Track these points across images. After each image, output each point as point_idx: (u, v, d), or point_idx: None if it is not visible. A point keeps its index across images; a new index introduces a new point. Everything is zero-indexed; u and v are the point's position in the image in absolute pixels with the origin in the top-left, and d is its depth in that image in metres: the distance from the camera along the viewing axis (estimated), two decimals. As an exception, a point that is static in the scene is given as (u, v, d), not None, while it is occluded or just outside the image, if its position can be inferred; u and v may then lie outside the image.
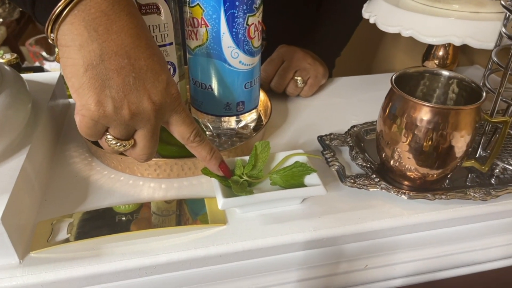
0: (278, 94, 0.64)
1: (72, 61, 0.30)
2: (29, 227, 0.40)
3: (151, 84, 0.33)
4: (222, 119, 0.52)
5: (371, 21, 0.60)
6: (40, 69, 0.74)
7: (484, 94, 0.41)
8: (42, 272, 0.36)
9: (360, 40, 0.86)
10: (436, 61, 0.66)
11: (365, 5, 0.64)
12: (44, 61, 1.02)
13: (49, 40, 0.33)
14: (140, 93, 0.32)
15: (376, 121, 0.57)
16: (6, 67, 0.48)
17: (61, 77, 0.57)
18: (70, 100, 0.62)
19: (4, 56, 0.65)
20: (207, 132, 0.54)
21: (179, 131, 0.37)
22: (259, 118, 0.57)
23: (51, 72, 0.58)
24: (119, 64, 0.31)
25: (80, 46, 0.30)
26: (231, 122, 0.53)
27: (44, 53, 1.01)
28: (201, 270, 0.40)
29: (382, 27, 0.58)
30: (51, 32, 0.31)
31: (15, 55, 0.67)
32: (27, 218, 0.40)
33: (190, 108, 0.54)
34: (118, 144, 0.35)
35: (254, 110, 0.53)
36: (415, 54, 0.91)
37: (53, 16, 0.30)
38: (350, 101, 0.65)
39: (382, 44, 1.04)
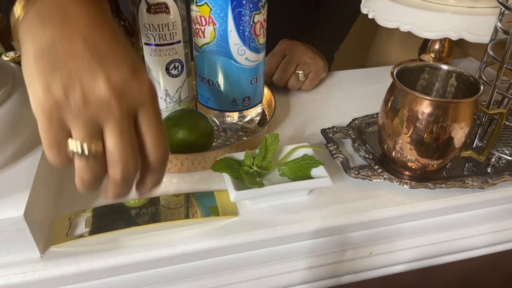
0: (280, 88, 0.66)
1: (25, 55, 0.27)
2: (47, 222, 0.41)
3: (113, 67, 0.27)
4: (226, 114, 0.54)
5: (370, 16, 0.62)
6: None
7: (482, 87, 0.43)
8: (63, 265, 0.37)
9: (355, 33, 0.88)
10: (432, 55, 0.68)
11: (363, 0, 0.66)
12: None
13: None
14: (96, 73, 0.27)
15: (376, 113, 0.59)
16: (12, 64, 0.49)
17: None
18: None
19: (7, 54, 0.66)
20: (214, 127, 0.55)
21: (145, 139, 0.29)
22: (263, 112, 0.58)
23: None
24: (74, 48, 0.27)
25: (33, 36, 0.27)
26: (234, 117, 0.54)
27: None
28: (215, 260, 0.41)
29: (381, 22, 0.59)
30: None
31: (18, 53, 0.67)
32: (45, 213, 0.41)
33: (196, 104, 0.55)
34: (82, 150, 0.28)
35: (259, 105, 0.55)
36: (409, 47, 0.93)
37: (15, 19, 0.28)
38: (350, 94, 0.67)
39: (377, 36, 1.05)
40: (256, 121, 0.56)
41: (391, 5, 0.59)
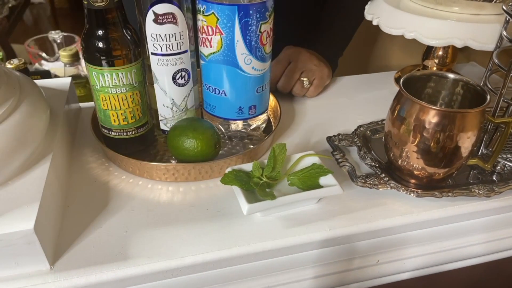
0: (285, 95, 0.66)
1: None
2: (55, 233, 0.41)
3: None
4: (231, 122, 0.54)
5: (374, 23, 0.62)
6: (47, 73, 0.75)
7: (489, 97, 0.43)
8: (73, 277, 0.37)
9: (357, 36, 0.88)
10: (436, 60, 0.68)
11: (367, 7, 0.66)
12: (43, 62, 1.02)
13: None
14: None
15: (380, 120, 0.59)
16: (17, 73, 0.49)
17: (72, 82, 0.58)
18: (81, 104, 0.63)
19: (11, 62, 0.65)
20: (220, 135, 0.55)
21: None
22: (268, 120, 0.58)
23: (62, 78, 0.58)
24: None
25: None
26: (239, 125, 0.54)
27: (44, 54, 1.01)
28: (223, 270, 0.42)
29: (386, 29, 0.59)
30: None
31: (23, 60, 0.67)
32: (53, 224, 0.41)
33: (202, 112, 0.55)
34: None
35: (265, 113, 0.55)
36: (412, 51, 0.93)
37: None
38: (354, 101, 0.67)
39: (379, 40, 1.06)
40: (262, 129, 0.57)
41: (395, 12, 0.59)
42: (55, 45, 1.07)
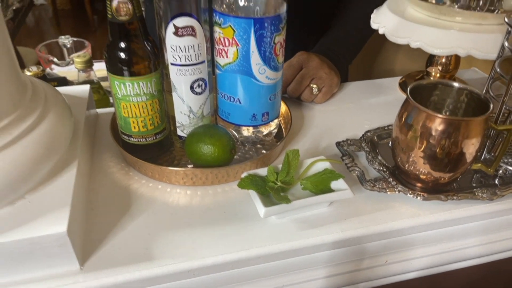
0: (294, 100, 0.68)
1: None
2: (83, 235, 0.43)
3: None
4: (244, 128, 0.56)
5: (381, 32, 0.64)
6: (63, 80, 0.77)
7: (492, 106, 0.45)
8: (102, 277, 0.40)
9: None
10: (440, 67, 0.71)
11: (372, 16, 0.68)
12: (54, 66, 1.04)
13: None
14: None
15: (387, 126, 0.61)
16: (41, 82, 0.51)
17: (91, 89, 0.61)
18: (98, 110, 0.65)
19: (30, 69, 0.68)
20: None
21: None
22: (279, 125, 0.61)
23: (81, 85, 0.61)
24: None
25: None
26: (251, 131, 0.57)
27: (55, 59, 1.03)
28: (242, 270, 0.44)
29: (392, 38, 0.62)
30: None
31: (41, 67, 0.69)
32: (81, 227, 0.43)
33: (216, 118, 0.58)
34: None
35: (276, 119, 0.57)
36: (416, 56, 0.96)
37: None
38: (360, 106, 0.69)
39: (384, 45, 1.08)
40: (274, 134, 0.59)
41: (401, 22, 0.61)
42: (64, 50, 1.09)
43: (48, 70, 1.00)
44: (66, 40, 1.07)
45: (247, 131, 0.56)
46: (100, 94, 0.80)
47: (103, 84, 0.83)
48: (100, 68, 0.97)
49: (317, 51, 0.71)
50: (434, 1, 0.60)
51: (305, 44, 0.75)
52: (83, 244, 0.43)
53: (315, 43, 0.77)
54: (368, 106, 0.69)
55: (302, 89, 0.66)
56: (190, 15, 0.45)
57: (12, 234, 0.37)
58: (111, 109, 0.66)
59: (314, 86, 0.66)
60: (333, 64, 0.70)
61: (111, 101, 0.99)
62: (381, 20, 0.65)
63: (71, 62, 1.03)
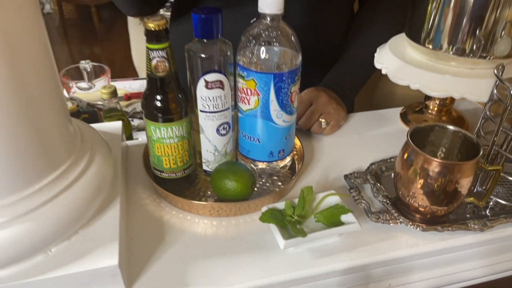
0: (304, 132, 0.75)
1: None
2: (126, 264, 0.50)
3: None
4: (260, 162, 0.63)
5: (383, 72, 0.71)
6: (94, 114, 0.83)
7: (481, 150, 0.52)
8: (145, 301, 0.46)
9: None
10: (437, 101, 0.78)
11: (376, 55, 0.75)
12: (76, 89, 1.11)
13: None
14: None
15: (389, 158, 0.68)
16: (85, 124, 0.58)
17: (123, 125, 0.67)
18: (128, 142, 0.72)
19: (69, 100, 0.74)
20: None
21: None
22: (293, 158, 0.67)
23: (114, 122, 0.67)
24: None
25: None
26: (269, 165, 0.63)
27: (80, 84, 1.10)
28: (263, 294, 0.50)
29: (394, 79, 0.69)
30: None
31: (75, 102, 0.76)
32: (124, 257, 0.50)
33: (237, 154, 0.64)
34: None
35: (291, 154, 0.64)
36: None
37: None
38: (364, 137, 0.76)
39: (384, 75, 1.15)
40: (288, 166, 0.66)
41: (402, 64, 0.68)
42: (85, 73, 1.16)
43: (71, 94, 1.07)
44: (86, 65, 1.14)
45: (264, 165, 0.63)
46: (125, 122, 0.87)
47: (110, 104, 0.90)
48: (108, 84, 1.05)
49: (325, 86, 0.78)
50: (431, 46, 0.67)
51: (310, 78, 0.82)
52: (128, 272, 0.49)
53: (321, 76, 0.83)
54: (371, 137, 0.76)
55: (312, 123, 0.73)
56: (219, 72, 0.52)
57: (73, 267, 0.43)
58: (139, 142, 0.73)
59: (323, 120, 0.72)
60: (340, 99, 0.76)
61: (132, 123, 1.06)
62: (384, 61, 0.72)
63: (93, 86, 1.10)
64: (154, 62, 0.51)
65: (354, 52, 0.83)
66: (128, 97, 1.25)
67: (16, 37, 0.39)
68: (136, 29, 2.41)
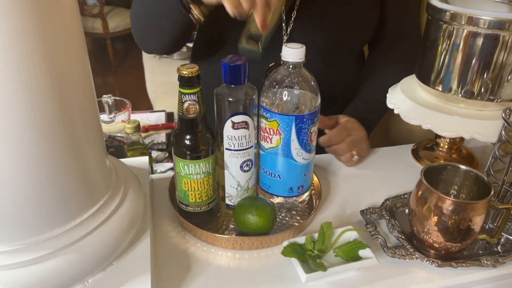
0: (321, 168, 0.78)
1: None
2: (154, 294, 0.53)
3: None
4: (280, 197, 0.66)
5: (396, 112, 0.75)
6: (120, 148, 0.88)
7: (492, 190, 0.55)
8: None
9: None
10: (448, 139, 0.81)
11: (388, 95, 0.79)
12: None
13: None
14: None
15: (403, 194, 0.71)
16: (112, 158, 0.61)
17: (149, 160, 0.71)
18: (152, 176, 0.75)
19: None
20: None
21: None
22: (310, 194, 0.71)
23: (142, 157, 0.71)
24: None
25: None
26: (288, 200, 0.66)
27: (103, 117, 1.15)
28: (286, 326, 0.53)
29: (406, 119, 0.72)
30: None
31: (104, 138, 0.80)
32: (155, 286, 0.53)
33: (257, 189, 0.68)
34: None
35: (309, 189, 0.67)
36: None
37: None
38: (378, 174, 0.79)
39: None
40: (306, 201, 0.69)
41: (413, 105, 0.72)
42: (106, 107, 1.21)
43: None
44: (108, 99, 1.19)
45: (284, 200, 0.66)
46: (145, 154, 0.91)
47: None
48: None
49: (355, 117, 0.83)
50: (440, 89, 0.71)
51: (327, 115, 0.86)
52: (156, 302, 0.52)
53: (337, 113, 0.87)
54: (384, 173, 0.79)
55: (345, 153, 0.77)
56: (244, 114, 0.56)
57: (110, 297, 0.46)
58: (163, 176, 0.77)
59: (356, 155, 0.77)
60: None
61: (153, 154, 1.10)
62: (396, 102, 0.76)
63: (115, 119, 1.15)
64: (186, 104, 0.55)
65: (370, 91, 0.88)
66: (146, 129, 1.30)
67: (65, 75, 0.42)
68: (150, 62, 2.50)
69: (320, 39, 0.83)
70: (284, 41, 0.80)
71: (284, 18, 0.79)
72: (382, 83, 0.85)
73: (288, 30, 0.79)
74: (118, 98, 1.22)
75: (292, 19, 0.79)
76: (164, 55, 2.26)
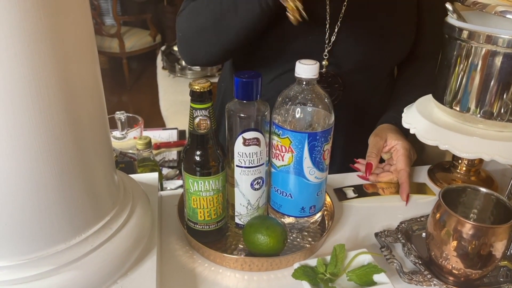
0: (333, 188, 0.76)
1: None
2: (159, 315, 0.51)
3: None
4: (291, 217, 0.64)
5: (412, 132, 0.73)
6: (130, 164, 0.88)
7: (515, 214, 0.52)
8: None
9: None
10: (466, 161, 0.78)
11: (403, 115, 0.77)
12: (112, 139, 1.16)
13: None
14: None
15: (419, 217, 0.68)
16: (121, 174, 0.60)
17: (158, 177, 0.70)
18: (161, 193, 0.74)
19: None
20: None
21: None
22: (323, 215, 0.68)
23: (152, 173, 0.70)
24: None
25: None
26: (300, 220, 0.64)
27: (115, 133, 1.16)
28: None
29: (422, 139, 0.70)
30: None
31: (114, 153, 0.80)
32: (159, 308, 0.51)
33: (268, 208, 0.66)
34: None
35: (321, 210, 0.65)
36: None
37: None
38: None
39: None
40: (318, 222, 0.66)
41: (430, 125, 0.70)
42: (119, 123, 1.22)
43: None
44: (121, 115, 1.20)
45: (295, 220, 0.64)
46: (155, 171, 0.90)
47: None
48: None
49: (393, 123, 0.83)
50: (458, 109, 0.69)
51: (355, 140, 0.85)
52: (161, 324, 0.50)
53: (365, 137, 0.85)
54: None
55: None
56: (256, 130, 0.55)
57: (112, 317, 0.44)
58: (172, 193, 0.76)
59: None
60: None
61: (164, 172, 1.09)
62: (412, 121, 0.74)
63: (127, 135, 1.15)
64: (196, 120, 0.54)
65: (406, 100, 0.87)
66: (158, 146, 1.30)
67: (75, 88, 0.42)
68: (164, 81, 2.54)
69: (361, 53, 0.83)
70: (324, 52, 0.81)
71: (328, 29, 0.79)
72: (419, 93, 0.84)
73: (331, 40, 0.80)
74: (130, 114, 1.22)
75: (336, 31, 0.80)
76: (192, 68, 2.31)
